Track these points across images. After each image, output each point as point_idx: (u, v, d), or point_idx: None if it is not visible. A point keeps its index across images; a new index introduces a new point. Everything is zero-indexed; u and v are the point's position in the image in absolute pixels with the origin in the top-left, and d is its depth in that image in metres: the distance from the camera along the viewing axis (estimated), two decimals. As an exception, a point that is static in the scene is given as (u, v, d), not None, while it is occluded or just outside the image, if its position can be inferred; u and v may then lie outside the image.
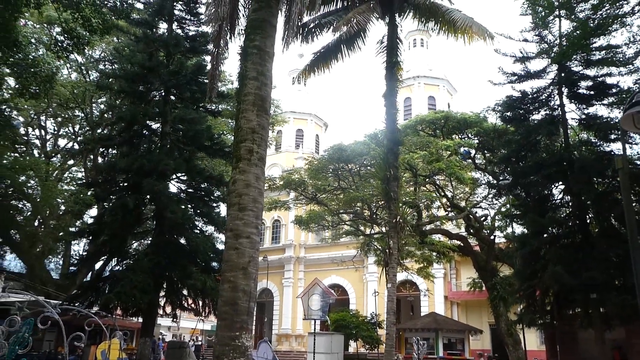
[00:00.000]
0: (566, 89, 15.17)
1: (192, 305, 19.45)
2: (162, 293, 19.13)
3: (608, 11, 13.08)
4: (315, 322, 20.30)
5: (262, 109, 12.85)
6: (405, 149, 23.31)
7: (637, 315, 10.47)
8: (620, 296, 11.79)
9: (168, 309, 20.17)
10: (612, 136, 14.26)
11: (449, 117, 27.57)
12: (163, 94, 20.61)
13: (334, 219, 29.28)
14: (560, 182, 14.78)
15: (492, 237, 28.63)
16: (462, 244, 29.20)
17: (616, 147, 14.16)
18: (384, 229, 22.68)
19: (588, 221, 14.07)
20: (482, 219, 29.66)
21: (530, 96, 15.75)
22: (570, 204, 14.62)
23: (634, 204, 13.84)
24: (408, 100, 45.65)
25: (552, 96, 15.61)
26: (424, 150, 25.47)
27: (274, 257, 43.99)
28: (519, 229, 19.54)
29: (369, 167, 26.83)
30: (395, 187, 16.26)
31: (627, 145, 15.06)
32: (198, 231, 20.22)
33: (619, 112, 13.69)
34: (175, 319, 20.86)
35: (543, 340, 29.08)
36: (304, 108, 52.38)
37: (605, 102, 14.81)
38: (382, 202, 21.33)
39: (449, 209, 29.09)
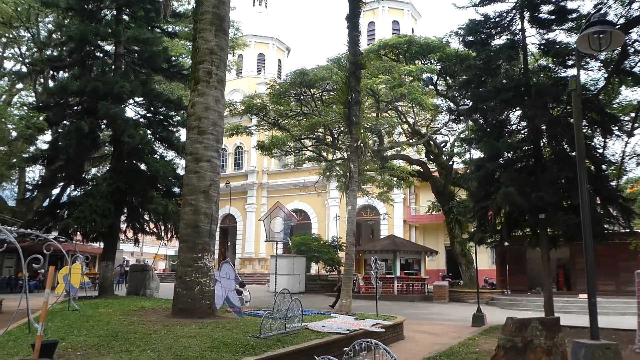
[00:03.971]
0: (528, 13, 15.06)
1: (154, 229, 19.47)
2: (123, 218, 19.04)
3: None
4: (277, 244, 20.72)
5: (220, 29, 12.38)
6: (368, 73, 23.12)
7: (580, 234, 11.13)
8: (566, 216, 12.41)
9: (130, 234, 20.16)
10: (570, 62, 14.43)
11: (412, 41, 27.25)
12: (114, 12, 19.48)
13: (297, 144, 29.27)
14: (518, 108, 15.01)
15: (450, 163, 29.39)
16: (421, 169, 29.90)
17: (573, 72, 14.37)
18: (345, 155, 22.86)
19: (541, 146, 14.48)
20: (442, 145, 30.25)
21: (493, 20, 15.57)
22: (525, 129, 14.95)
23: (584, 130, 14.30)
24: (372, 25, 44.73)
25: (514, 20, 15.48)
26: (386, 75, 25.31)
27: (236, 183, 44.05)
28: (476, 154, 20.01)
29: (331, 93, 26.59)
30: (357, 111, 16.23)
31: (582, 72, 15.33)
32: (158, 156, 19.86)
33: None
34: (137, 244, 20.89)
35: (494, 260, 30.81)
36: (265, 32, 50.69)
37: (564, 27, 14.81)
38: (344, 127, 21.36)
39: (410, 135, 29.47)
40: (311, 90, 27.72)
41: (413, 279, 27.61)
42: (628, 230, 14.82)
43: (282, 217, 17.67)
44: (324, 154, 29.23)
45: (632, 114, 15.42)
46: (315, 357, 4.69)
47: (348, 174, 16.94)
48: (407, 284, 27.18)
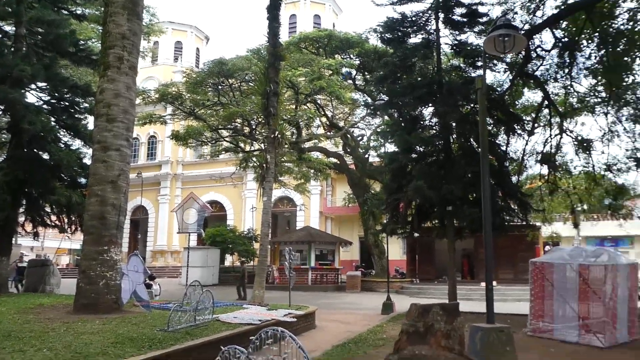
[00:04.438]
0: (442, 14, 15.66)
1: (57, 222, 18.29)
2: (21, 210, 17.72)
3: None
4: (190, 236, 20.26)
5: (133, 13, 11.81)
6: (288, 65, 23.05)
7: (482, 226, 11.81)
8: (470, 209, 13.12)
9: (29, 227, 18.79)
10: (479, 63, 15.18)
11: (332, 36, 27.55)
12: (16, -9, 18.03)
13: (213, 134, 28.68)
14: (431, 104, 15.59)
15: (366, 156, 30.10)
16: (338, 162, 30.40)
17: (482, 73, 15.12)
18: (263, 146, 22.71)
19: (451, 141, 15.16)
20: (358, 139, 30.92)
21: (409, 19, 16.05)
22: (437, 125, 15.58)
23: (490, 128, 15.15)
24: (294, 18, 44.67)
25: (430, 21, 16.04)
26: (306, 68, 25.39)
27: (149, 173, 42.49)
28: (391, 148, 20.60)
29: (250, 83, 26.30)
30: (275, 103, 16.17)
31: (489, 73, 16.21)
32: (62, 145, 18.67)
33: (486, 40, 14.45)
34: (37, 238, 19.51)
35: (405, 250, 32.00)
36: (183, 19, 49.19)
37: (475, 29, 15.57)
38: (262, 118, 21.20)
39: (328, 128, 29.87)
40: (229, 80, 27.27)
41: (327, 269, 28.04)
42: (525, 223, 15.91)
43: (196, 209, 17.20)
44: (242, 145, 28.87)
45: (533, 115, 16.51)
46: (222, 347, 4.61)
47: (265, 165, 16.86)
48: (322, 275, 27.55)
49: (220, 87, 27.43)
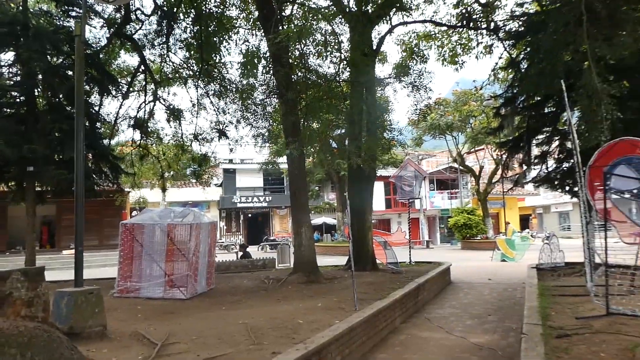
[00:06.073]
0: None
1: None
2: None
3: None
4: None
5: None
6: None
7: (70, 189, 10.98)
8: (56, 170, 12.11)
9: None
10: (73, 13, 14.04)
11: None
12: None
13: None
14: (12, 48, 13.52)
15: None
16: None
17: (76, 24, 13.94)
18: None
19: (37, 94, 13.57)
20: None
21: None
22: (19, 73, 13.66)
23: (85, 85, 14.21)
24: None
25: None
26: None
27: None
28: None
29: None
30: None
31: (86, 28, 15.14)
32: None
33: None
34: None
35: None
36: None
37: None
38: None
39: None
40: None
41: None
42: (115, 187, 15.79)
43: None
44: None
45: (129, 78, 16.36)
46: None
47: None
48: None
49: None
